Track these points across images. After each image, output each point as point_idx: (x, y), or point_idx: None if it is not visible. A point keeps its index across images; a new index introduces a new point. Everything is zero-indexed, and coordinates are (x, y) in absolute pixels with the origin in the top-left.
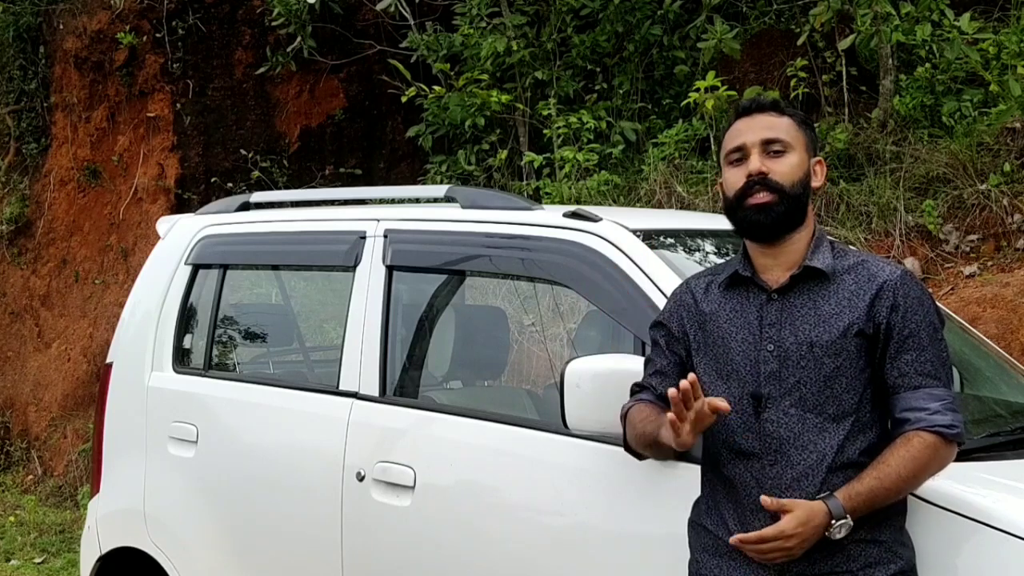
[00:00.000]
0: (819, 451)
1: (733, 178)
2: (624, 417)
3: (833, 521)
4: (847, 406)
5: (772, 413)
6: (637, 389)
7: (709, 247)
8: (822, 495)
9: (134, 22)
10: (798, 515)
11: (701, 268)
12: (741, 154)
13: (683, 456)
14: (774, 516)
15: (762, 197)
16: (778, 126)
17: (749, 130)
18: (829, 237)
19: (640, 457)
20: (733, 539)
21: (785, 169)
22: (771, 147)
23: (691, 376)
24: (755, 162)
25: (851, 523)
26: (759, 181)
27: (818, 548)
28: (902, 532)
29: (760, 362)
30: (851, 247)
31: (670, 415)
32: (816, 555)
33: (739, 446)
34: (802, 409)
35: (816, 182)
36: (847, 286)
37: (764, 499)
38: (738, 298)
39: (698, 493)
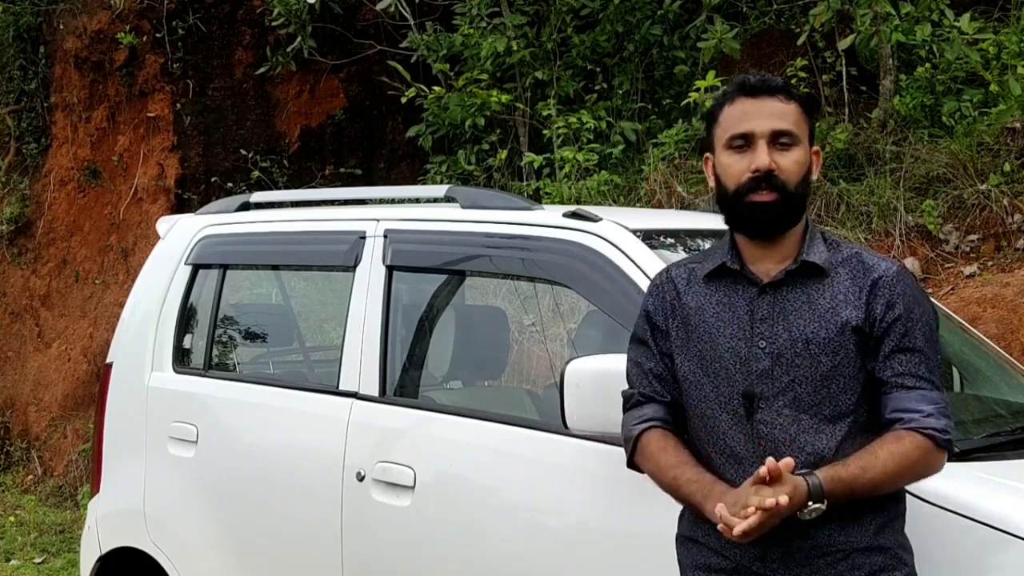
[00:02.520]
0: (816, 453)
1: (735, 167)
2: (635, 441)
3: (810, 503)
4: (844, 407)
5: (765, 414)
6: (640, 399)
7: (709, 247)
8: (801, 471)
9: (134, 22)
10: (787, 489)
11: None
12: (746, 142)
13: None
14: None
15: (765, 196)
16: (788, 115)
17: (758, 115)
18: (820, 228)
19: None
20: (771, 461)
21: (791, 166)
22: (780, 139)
23: (786, 463)
24: (763, 157)
25: (824, 508)
26: (765, 178)
27: (821, 555)
28: (903, 535)
29: (751, 359)
30: (844, 240)
31: (752, 499)
32: (819, 562)
33: (730, 449)
34: (796, 410)
35: (813, 174)
36: (842, 280)
37: (770, 461)
38: (725, 290)
39: None
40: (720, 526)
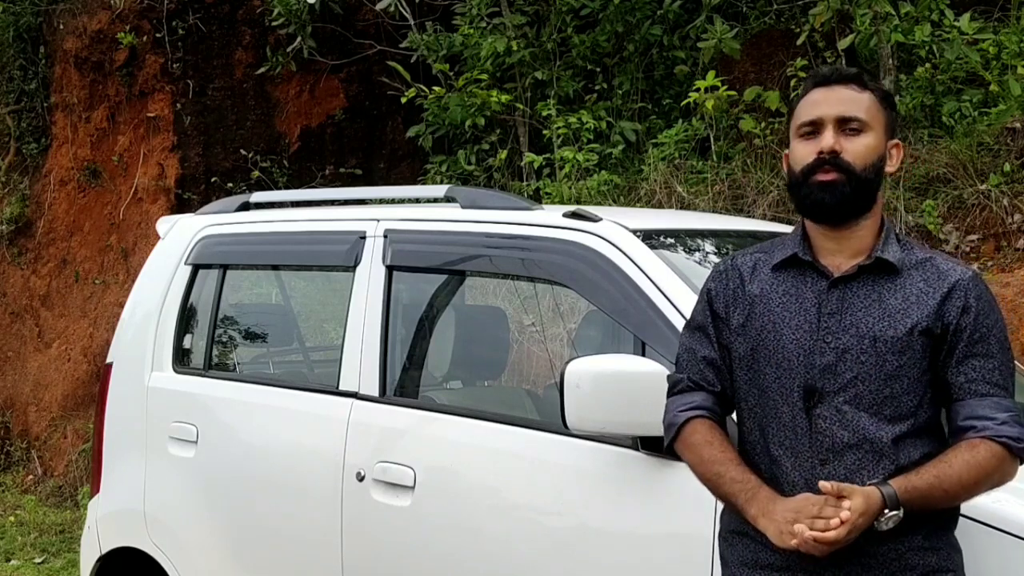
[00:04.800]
0: (875, 451)
1: (802, 152)
2: (677, 429)
3: (886, 510)
4: (905, 408)
5: (824, 409)
6: (690, 386)
7: (709, 247)
8: (874, 482)
9: (134, 22)
10: (858, 502)
11: (701, 268)
12: (814, 128)
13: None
14: None
15: (830, 176)
16: (858, 103)
17: (826, 103)
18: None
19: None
20: (824, 484)
21: (859, 150)
22: (848, 125)
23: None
24: (828, 139)
25: (901, 516)
26: (829, 160)
27: (873, 555)
28: (953, 537)
29: (815, 353)
30: (915, 242)
31: (807, 533)
32: (871, 562)
33: (787, 442)
34: (856, 407)
35: (891, 167)
36: (915, 282)
37: (824, 484)
38: (792, 281)
39: (697, 491)
40: (795, 541)
